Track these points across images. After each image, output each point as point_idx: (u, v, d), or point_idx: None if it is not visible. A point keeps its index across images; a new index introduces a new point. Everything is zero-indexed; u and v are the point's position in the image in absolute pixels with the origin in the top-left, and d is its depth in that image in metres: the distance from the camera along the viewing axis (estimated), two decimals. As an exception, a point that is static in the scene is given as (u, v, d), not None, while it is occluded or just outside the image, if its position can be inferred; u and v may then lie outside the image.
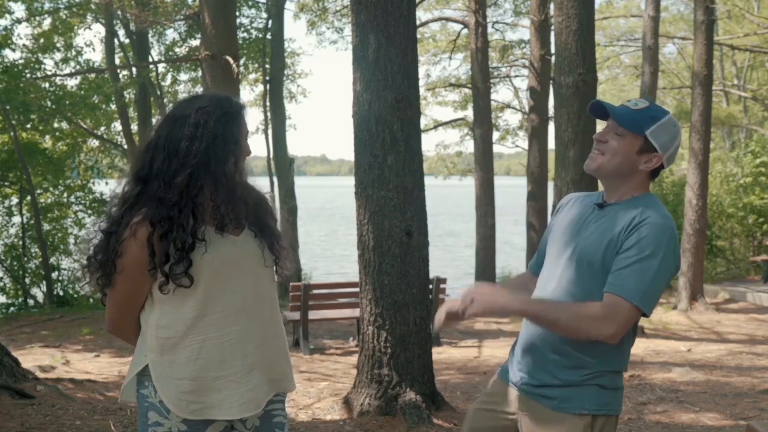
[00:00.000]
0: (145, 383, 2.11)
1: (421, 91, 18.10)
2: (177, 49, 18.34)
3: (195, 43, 17.13)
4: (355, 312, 7.96)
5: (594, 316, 2.00)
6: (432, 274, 5.80)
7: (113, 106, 17.12)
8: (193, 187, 2.03)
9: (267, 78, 17.32)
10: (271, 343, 2.20)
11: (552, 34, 12.79)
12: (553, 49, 11.74)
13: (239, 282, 2.11)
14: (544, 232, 2.39)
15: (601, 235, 2.10)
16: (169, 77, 19.07)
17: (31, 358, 7.45)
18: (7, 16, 14.86)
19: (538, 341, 2.18)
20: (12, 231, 15.67)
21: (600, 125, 2.57)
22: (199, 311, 2.07)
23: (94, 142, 19.00)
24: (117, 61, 17.64)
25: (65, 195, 16.29)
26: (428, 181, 5.44)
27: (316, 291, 8.56)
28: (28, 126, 14.84)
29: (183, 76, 19.25)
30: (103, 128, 18.44)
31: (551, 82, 12.60)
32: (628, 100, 2.22)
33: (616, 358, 2.13)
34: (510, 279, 2.64)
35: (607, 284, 2.03)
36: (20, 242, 15.44)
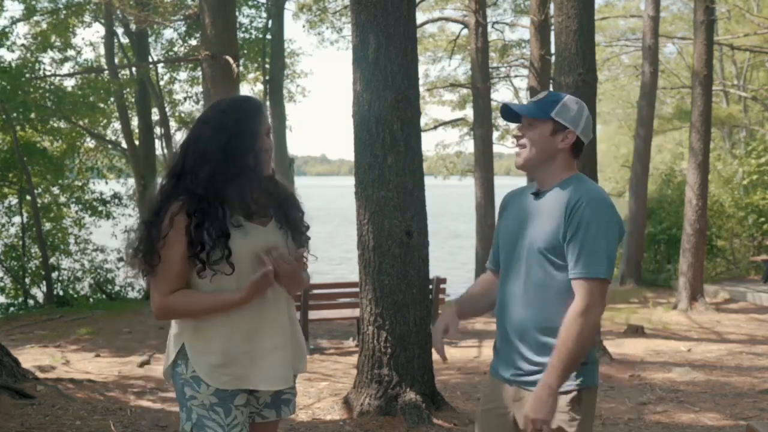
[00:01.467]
0: (179, 362, 2.35)
1: (421, 90, 18.08)
2: (176, 49, 18.31)
3: (195, 43, 17.10)
4: (355, 312, 7.95)
5: (580, 315, 2.15)
6: (432, 275, 5.80)
7: (113, 105, 17.09)
8: (214, 181, 2.25)
9: (266, 78, 17.30)
10: (292, 325, 2.44)
11: (552, 34, 12.78)
12: (553, 49, 11.73)
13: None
14: (495, 231, 2.53)
15: (544, 223, 2.25)
16: (167, 77, 19.01)
17: (31, 358, 7.44)
18: (5, 15, 14.87)
19: (511, 334, 2.31)
20: (12, 231, 15.66)
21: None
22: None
23: (92, 143, 18.96)
24: (117, 61, 17.60)
25: (63, 195, 16.30)
26: (428, 181, 5.43)
27: (316, 291, 8.54)
28: (27, 125, 14.81)
29: (182, 75, 19.23)
30: (101, 128, 18.39)
31: (551, 82, 12.60)
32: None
33: None
34: (468, 290, 2.68)
35: (571, 273, 2.19)
36: (20, 242, 15.43)
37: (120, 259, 16.55)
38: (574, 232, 2.17)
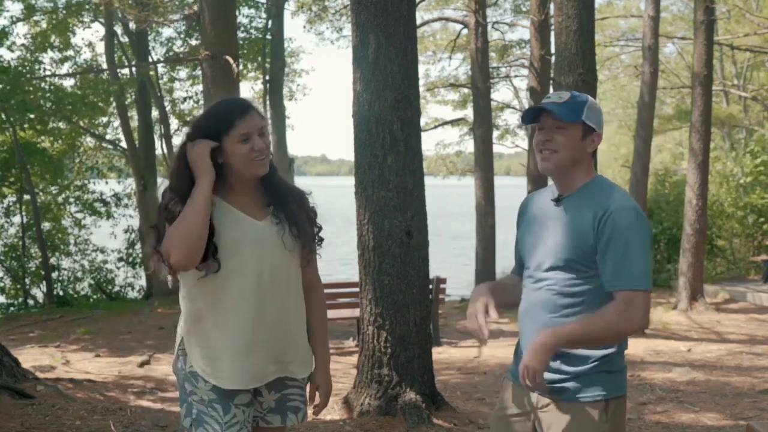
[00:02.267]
0: (180, 356, 2.37)
1: (421, 90, 18.06)
2: (177, 49, 18.29)
3: (195, 42, 17.08)
4: (355, 312, 7.95)
5: (619, 318, 2.11)
6: (432, 274, 5.80)
7: (113, 106, 17.06)
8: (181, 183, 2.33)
9: (267, 78, 17.29)
10: (285, 324, 2.38)
11: (552, 34, 12.78)
12: (553, 49, 11.73)
13: (255, 261, 2.31)
14: (516, 238, 2.44)
15: (569, 231, 2.18)
16: (166, 76, 18.98)
17: (31, 358, 7.44)
18: (5, 15, 14.85)
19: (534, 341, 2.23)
20: (12, 231, 15.66)
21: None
22: (219, 284, 2.29)
23: (92, 143, 18.93)
24: (116, 61, 17.56)
25: (61, 195, 16.28)
26: (428, 181, 5.43)
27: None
28: (26, 125, 14.80)
29: (182, 74, 19.21)
30: (101, 128, 18.36)
31: (551, 82, 12.60)
32: (547, 96, 2.30)
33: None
34: (499, 280, 2.69)
35: (610, 283, 2.12)
36: (20, 242, 15.43)
37: (120, 259, 16.58)
38: (607, 243, 2.11)
